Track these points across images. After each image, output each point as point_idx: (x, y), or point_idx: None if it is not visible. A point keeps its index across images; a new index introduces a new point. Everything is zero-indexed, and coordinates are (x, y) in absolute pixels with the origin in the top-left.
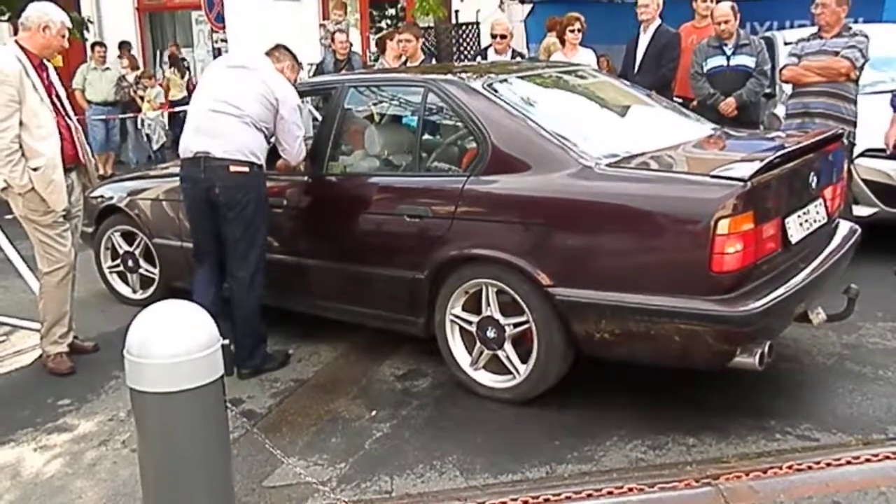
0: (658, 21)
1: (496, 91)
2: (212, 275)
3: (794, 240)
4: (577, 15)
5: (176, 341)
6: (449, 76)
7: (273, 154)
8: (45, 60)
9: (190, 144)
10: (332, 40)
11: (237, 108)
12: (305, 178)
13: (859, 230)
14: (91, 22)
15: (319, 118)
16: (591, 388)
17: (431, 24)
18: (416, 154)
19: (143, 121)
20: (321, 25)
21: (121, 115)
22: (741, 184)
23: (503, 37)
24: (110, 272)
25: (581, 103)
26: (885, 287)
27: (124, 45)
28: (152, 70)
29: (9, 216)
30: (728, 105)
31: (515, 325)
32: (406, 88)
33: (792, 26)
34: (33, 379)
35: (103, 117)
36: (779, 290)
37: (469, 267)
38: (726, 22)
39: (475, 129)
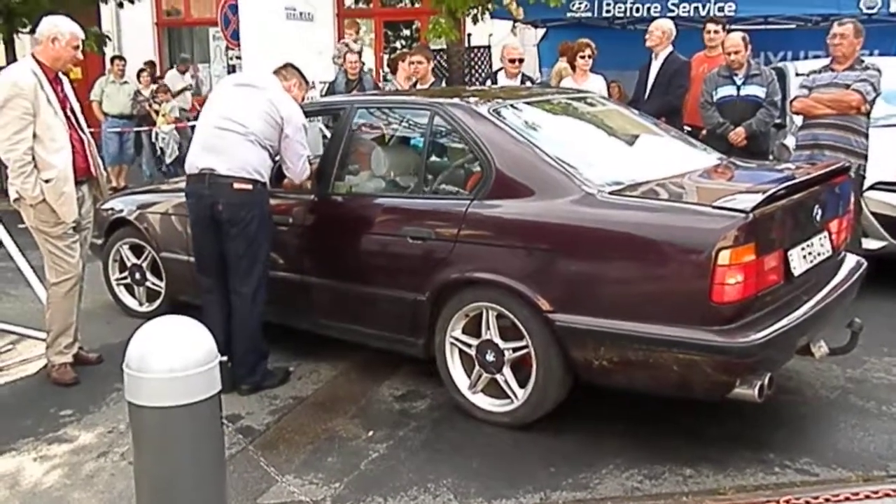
0: (669, 48)
1: (502, 116)
2: (220, 300)
3: (796, 272)
4: (587, 41)
5: (174, 356)
6: (455, 100)
7: (280, 172)
8: (60, 74)
9: (195, 161)
10: (344, 60)
11: (242, 126)
12: (311, 196)
13: (865, 264)
14: (109, 38)
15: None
16: (590, 414)
17: (444, 47)
18: (420, 176)
19: (157, 134)
20: (343, 43)
21: (136, 129)
22: (743, 215)
23: (513, 61)
24: (117, 284)
25: (587, 130)
26: (892, 321)
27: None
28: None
29: (21, 226)
30: (737, 135)
31: (514, 350)
32: (413, 111)
33: (806, 57)
34: (37, 388)
35: (118, 130)
36: (780, 323)
37: (470, 290)
38: (736, 52)
39: (479, 153)
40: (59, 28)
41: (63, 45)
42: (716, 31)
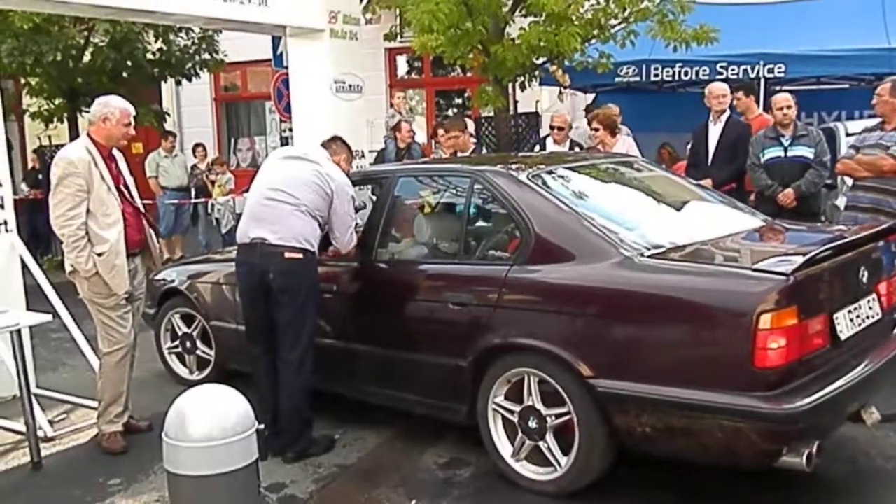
0: (727, 112)
1: (540, 182)
2: (269, 366)
3: (843, 336)
4: (596, 112)
5: (211, 425)
6: (495, 167)
7: (324, 240)
8: (114, 151)
9: (247, 231)
10: (398, 129)
11: (293, 197)
12: (355, 263)
13: None
14: (168, 114)
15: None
16: (637, 483)
17: (492, 114)
18: (461, 242)
19: (212, 205)
20: (395, 112)
21: (193, 201)
22: (783, 278)
23: (560, 128)
24: (169, 353)
25: (628, 195)
26: None
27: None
28: (226, 157)
29: (78, 297)
30: (786, 196)
31: (557, 416)
32: (453, 178)
33: (861, 116)
34: (88, 457)
35: (176, 202)
36: (827, 388)
37: (511, 356)
38: (789, 107)
39: (518, 218)
40: (110, 107)
41: (114, 124)
42: (737, 98)
